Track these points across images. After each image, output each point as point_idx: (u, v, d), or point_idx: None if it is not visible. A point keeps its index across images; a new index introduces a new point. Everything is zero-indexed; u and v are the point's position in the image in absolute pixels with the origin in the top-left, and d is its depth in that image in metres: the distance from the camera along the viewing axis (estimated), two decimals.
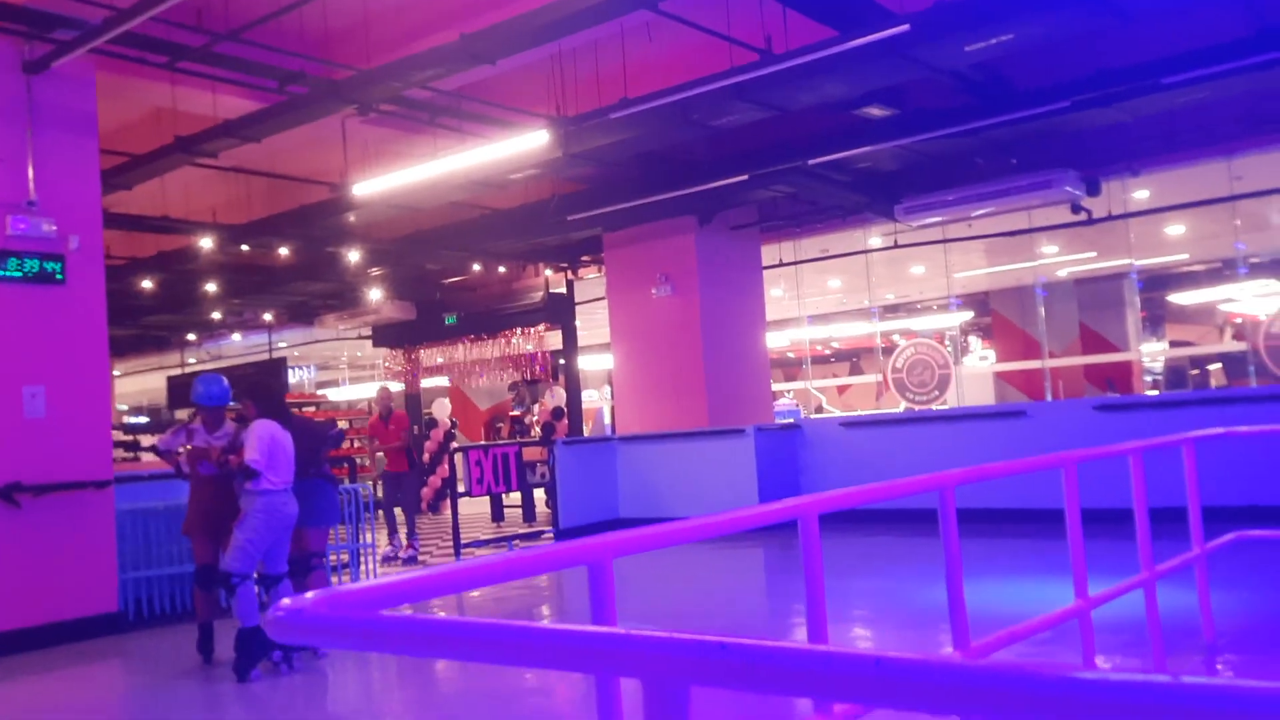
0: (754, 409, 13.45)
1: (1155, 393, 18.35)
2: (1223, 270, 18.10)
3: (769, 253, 14.44)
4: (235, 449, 6.10)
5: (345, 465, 12.82)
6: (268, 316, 18.19)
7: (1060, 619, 3.73)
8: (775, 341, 22.20)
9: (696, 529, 2.45)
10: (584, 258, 14.99)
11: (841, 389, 29.19)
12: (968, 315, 22.82)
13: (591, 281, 15.83)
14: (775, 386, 25.03)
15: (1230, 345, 19.74)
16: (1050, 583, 6.30)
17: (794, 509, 2.74)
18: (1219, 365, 20.67)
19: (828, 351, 30.05)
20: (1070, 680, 0.89)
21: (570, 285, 15.79)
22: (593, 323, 17.48)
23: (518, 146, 8.70)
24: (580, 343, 18.30)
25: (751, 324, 13.76)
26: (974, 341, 25.51)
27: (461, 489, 11.39)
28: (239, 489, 6.07)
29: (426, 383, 18.03)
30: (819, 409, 27.22)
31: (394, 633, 1.43)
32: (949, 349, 22.14)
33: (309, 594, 1.54)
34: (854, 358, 30.19)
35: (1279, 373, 11.15)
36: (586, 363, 23.02)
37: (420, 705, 5.49)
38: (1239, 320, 19.71)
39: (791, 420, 13.46)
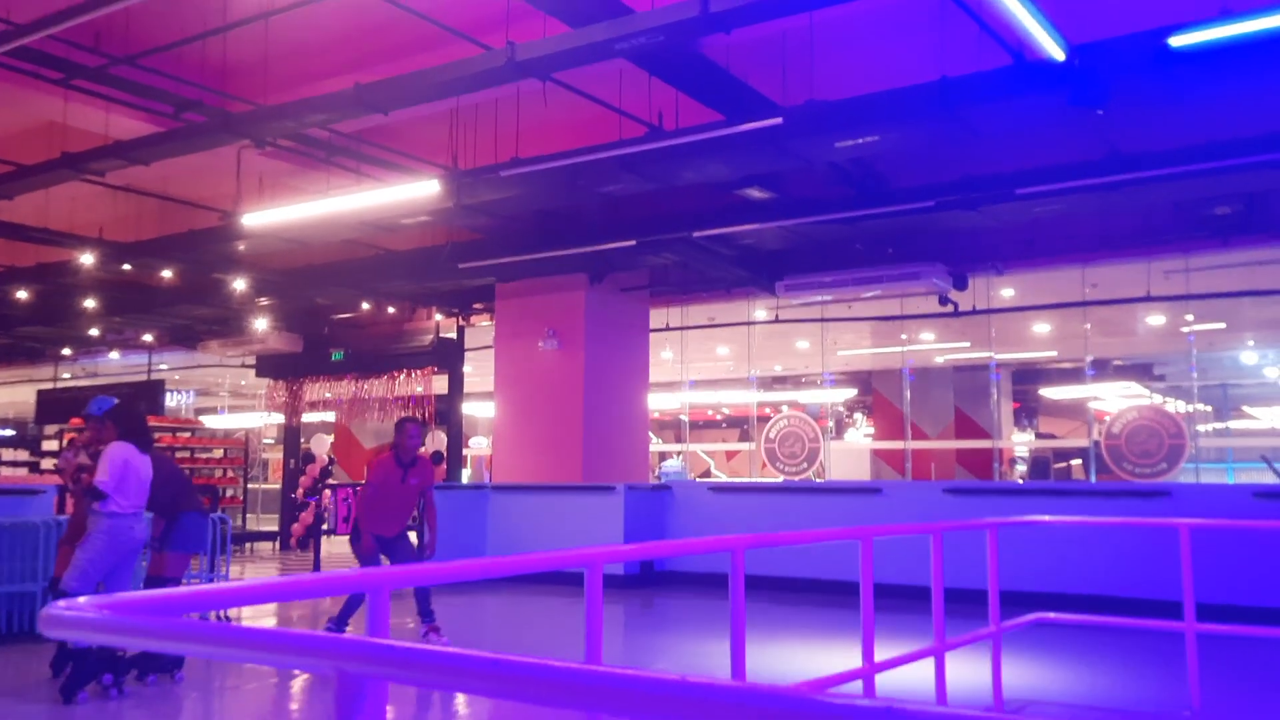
0: (630, 467, 13.71)
1: (1020, 481, 19.20)
2: (1089, 370, 19.19)
3: (657, 316, 14.84)
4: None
5: (208, 496, 12.61)
6: (148, 337, 17.84)
7: (841, 680, 4.04)
8: (666, 404, 22.64)
9: (480, 568, 2.68)
10: (476, 305, 15.18)
11: (730, 454, 29.71)
12: (845, 392, 23.60)
13: (483, 329, 16.00)
14: (664, 448, 25.45)
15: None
16: (854, 648, 6.67)
17: (580, 557, 2.98)
18: (1079, 461, 21.73)
19: (719, 417, 30.62)
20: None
21: (461, 331, 15.94)
22: (485, 369, 17.62)
23: (409, 193, 8.91)
24: (471, 389, 18.39)
25: (634, 384, 14.08)
26: (860, 418, 26.35)
27: (327, 526, 11.36)
28: (86, 508, 6.06)
29: (309, 417, 17.86)
30: (706, 473, 27.67)
31: (146, 630, 1.62)
32: (829, 424, 22.84)
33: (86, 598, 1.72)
34: (744, 425, 30.81)
35: (1116, 471, 11.91)
36: (477, 409, 23.07)
37: None
38: (1107, 418, 20.83)
39: (663, 481, 13.75)
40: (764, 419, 18.58)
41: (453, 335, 15.95)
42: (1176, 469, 11.64)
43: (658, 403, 21.49)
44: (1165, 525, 5.79)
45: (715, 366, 21.51)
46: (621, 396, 13.78)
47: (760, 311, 15.13)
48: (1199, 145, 8.53)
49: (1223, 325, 15.34)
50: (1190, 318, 13.58)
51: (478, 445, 25.06)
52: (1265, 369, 18.86)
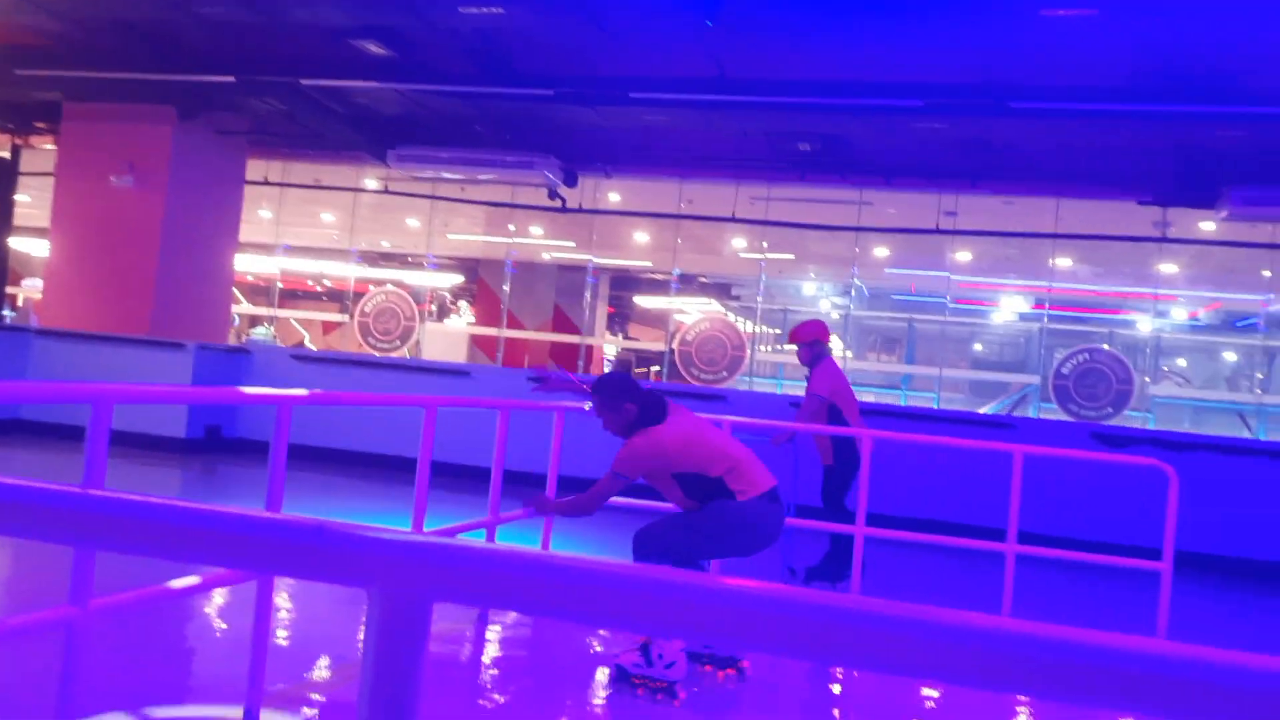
0: (210, 327, 12.70)
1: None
2: (680, 284, 20.55)
3: (256, 168, 13.73)
4: None
5: None
6: None
7: None
8: (260, 267, 21.19)
9: None
10: (38, 123, 13.13)
11: (327, 328, 28.63)
12: (453, 277, 23.55)
13: (45, 152, 13.92)
14: (254, 311, 23.94)
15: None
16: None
17: (85, 393, 2.62)
18: (659, 368, 23.39)
19: (319, 288, 29.31)
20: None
21: (16, 150, 13.73)
22: (45, 201, 15.40)
23: None
24: (28, 221, 16.05)
25: (222, 239, 12.97)
26: (464, 305, 26.43)
27: None
28: None
29: None
30: (300, 344, 26.48)
31: None
32: (432, 307, 22.65)
33: None
34: (344, 299, 29.76)
35: (686, 376, 12.92)
36: (35, 247, 20.23)
37: None
38: (684, 327, 22.46)
39: (242, 344, 12.93)
40: (365, 295, 18.01)
41: (5, 154, 13.70)
42: (735, 377, 12.84)
43: (250, 265, 20.08)
44: (757, 425, 6.35)
45: (318, 234, 20.47)
46: (206, 250, 12.65)
47: (370, 181, 14.51)
48: (791, 80, 9.22)
49: (792, 256, 17.03)
50: (766, 245, 14.90)
51: (33, 287, 22.06)
52: (820, 300, 21.27)
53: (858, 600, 0.87)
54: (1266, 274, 13.22)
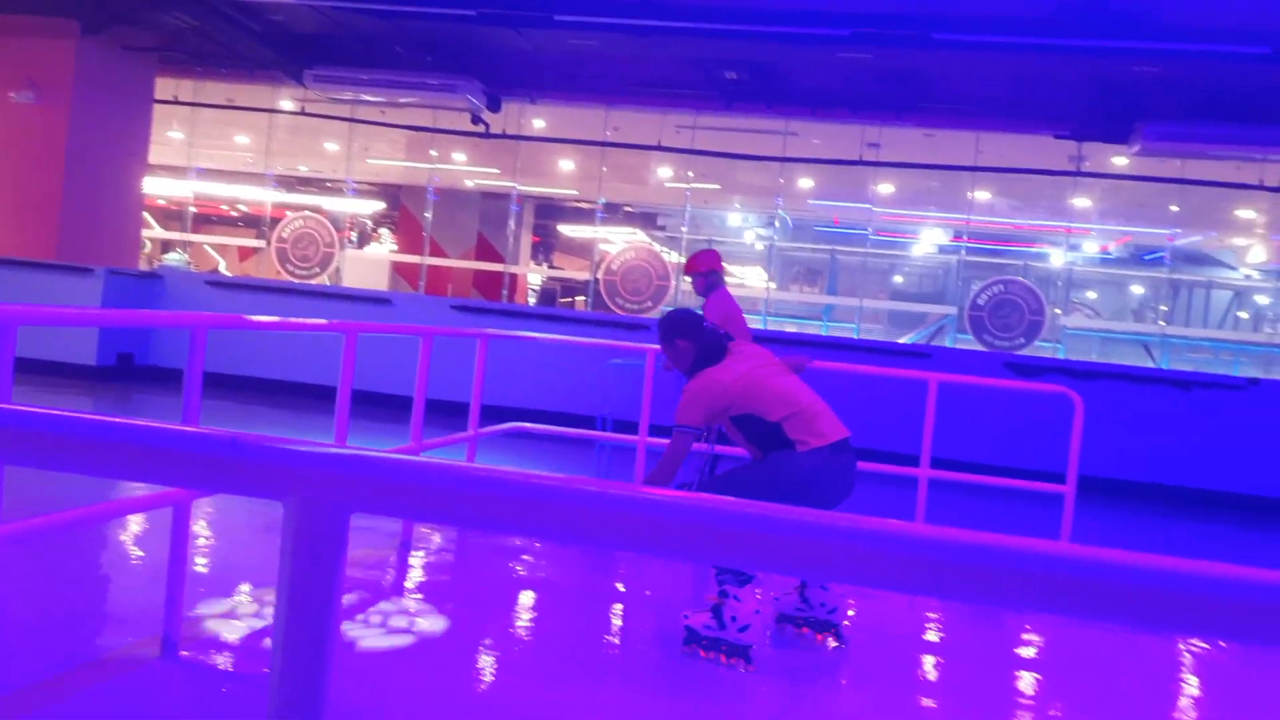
0: (120, 252, 12.28)
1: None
2: (605, 213, 20.40)
3: (166, 87, 13.19)
4: None
5: None
6: None
7: None
8: (172, 190, 20.47)
9: None
10: None
11: (244, 254, 27.89)
12: (374, 204, 23.08)
13: None
14: (167, 236, 23.18)
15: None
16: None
17: None
18: (584, 298, 23.32)
19: (234, 214, 28.49)
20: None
21: None
22: None
23: None
24: None
25: (129, 159, 12.48)
26: (386, 233, 25.95)
27: None
28: None
29: None
30: (214, 271, 25.77)
31: None
32: (353, 234, 22.18)
33: None
34: (261, 225, 28.96)
35: (611, 305, 12.91)
36: None
37: None
38: (610, 256, 22.36)
39: (154, 269, 12.57)
40: (283, 220, 17.53)
41: None
42: (659, 307, 12.87)
43: (162, 188, 19.39)
44: (637, 349, 6.35)
45: (233, 157, 19.82)
46: (113, 172, 12.17)
47: (286, 102, 14.04)
48: (719, 6, 9.12)
49: (717, 186, 17.00)
50: (691, 175, 14.85)
51: None
52: (746, 232, 21.35)
53: (783, 511, 0.89)
54: (1174, 209, 13.61)
